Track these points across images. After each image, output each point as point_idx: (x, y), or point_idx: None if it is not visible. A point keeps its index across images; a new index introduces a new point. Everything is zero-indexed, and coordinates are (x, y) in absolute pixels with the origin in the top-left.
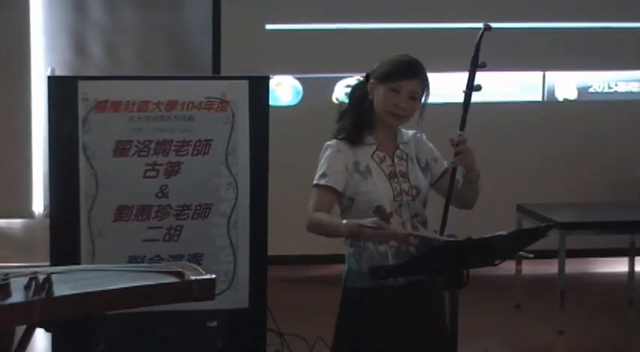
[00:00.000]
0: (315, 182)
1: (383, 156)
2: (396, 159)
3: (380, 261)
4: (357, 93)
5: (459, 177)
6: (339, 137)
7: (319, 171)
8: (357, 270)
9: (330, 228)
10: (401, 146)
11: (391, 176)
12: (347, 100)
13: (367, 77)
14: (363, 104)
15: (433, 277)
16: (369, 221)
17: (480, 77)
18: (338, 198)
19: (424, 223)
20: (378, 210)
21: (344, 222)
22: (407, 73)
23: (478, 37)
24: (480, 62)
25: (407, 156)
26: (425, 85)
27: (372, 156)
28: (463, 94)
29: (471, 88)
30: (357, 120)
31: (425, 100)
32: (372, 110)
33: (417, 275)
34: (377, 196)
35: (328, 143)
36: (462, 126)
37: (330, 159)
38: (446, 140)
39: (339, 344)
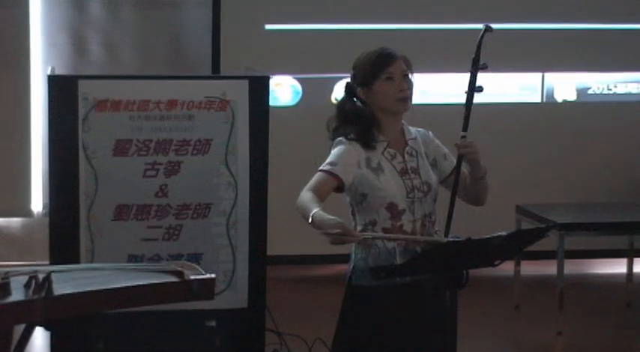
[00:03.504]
0: (320, 167)
1: (394, 153)
2: (406, 156)
3: (387, 259)
4: (345, 107)
5: (465, 171)
6: (348, 137)
7: (328, 159)
8: (363, 268)
9: (303, 211)
10: (410, 142)
11: (403, 173)
12: (335, 115)
13: (346, 88)
14: (363, 113)
15: (437, 277)
16: (332, 225)
17: (479, 78)
18: (339, 190)
19: (434, 223)
20: (391, 207)
21: (314, 211)
22: (388, 58)
23: (479, 38)
24: (481, 63)
25: (416, 152)
26: (407, 62)
27: (382, 153)
28: (465, 95)
29: (473, 89)
30: (365, 128)
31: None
32: (374, 113)
33: (418, 275)
34: (389, 193)
35: (339, 138)
36: (465, 127)
37: (341, 151)
38: (448, 140)
39: (341, 340)
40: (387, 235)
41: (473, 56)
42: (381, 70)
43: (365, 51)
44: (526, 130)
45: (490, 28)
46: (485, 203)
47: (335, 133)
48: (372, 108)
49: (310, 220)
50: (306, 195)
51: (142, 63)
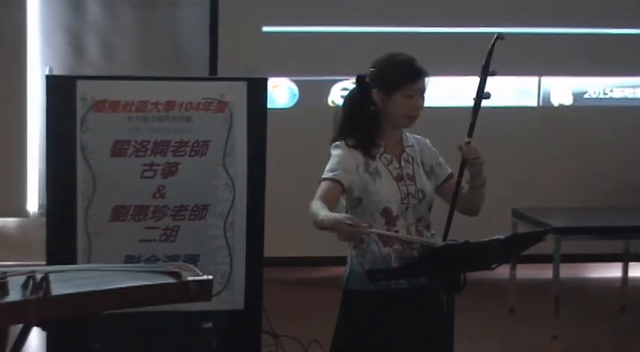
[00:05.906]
0: (322, 176)
1: (390, 159)
2: (402, 162)
3: (383, 264)
4: (355, 103)
5: (464, 183)
6: (349, 144)
7: (328, 167)
8: (359, 272)
9: (314, 217)
10: (407, 149)
11: (398, 178)
12: (341, 107)
13: (360, 82)
14: (367, 114)
15: (434, 280)
16: (344, 217)
17: (477, 82)
18: (343, 193)
19: (428, 227)
20: (385, 212)
21: (321, 213)
22: (416, 74)
23: (490, 46)
24: (490, 70)
25: (412, 159)
26: (428, 78)
27: (379, 158)
28: (472, 101)
29: (481, 95)
30: (366, 131)
31: None
32: (378, 118)
33: (415, 278)
34: (385, 198)
35: (337, 143)
36: (470, 133)
37: (340, 156)
38: (451, 142)
39: (339, 345)
40: (389, 233)
41: (483, 64)
42: (405, 85)
43: (392, 54)
44: (522, 134)
45: (502, 36)
46: (478, 214)
47: (340, 131)
48: (380, 111)
49: (320, 221)
50: (314, 204)
51: (140, 63)
